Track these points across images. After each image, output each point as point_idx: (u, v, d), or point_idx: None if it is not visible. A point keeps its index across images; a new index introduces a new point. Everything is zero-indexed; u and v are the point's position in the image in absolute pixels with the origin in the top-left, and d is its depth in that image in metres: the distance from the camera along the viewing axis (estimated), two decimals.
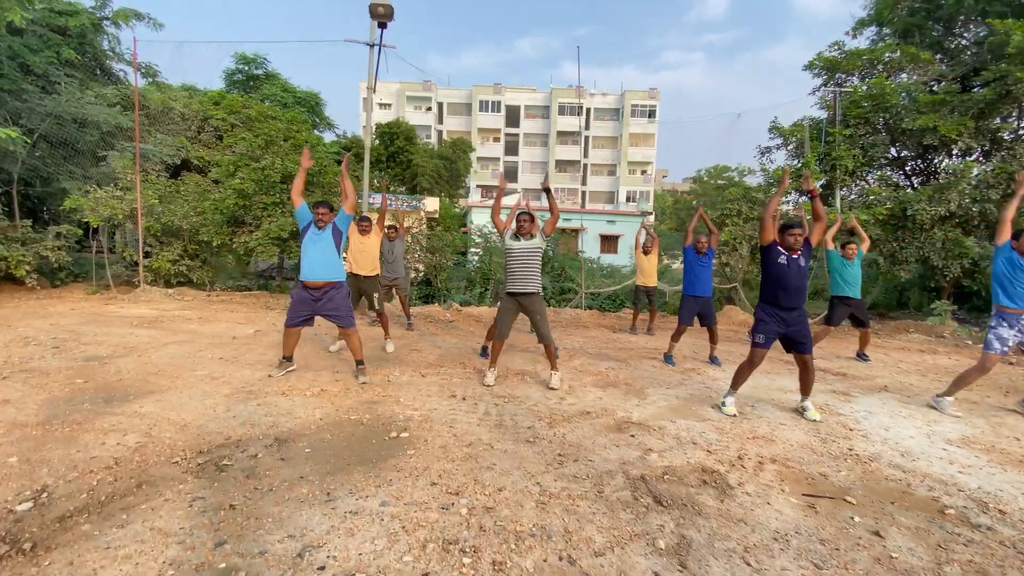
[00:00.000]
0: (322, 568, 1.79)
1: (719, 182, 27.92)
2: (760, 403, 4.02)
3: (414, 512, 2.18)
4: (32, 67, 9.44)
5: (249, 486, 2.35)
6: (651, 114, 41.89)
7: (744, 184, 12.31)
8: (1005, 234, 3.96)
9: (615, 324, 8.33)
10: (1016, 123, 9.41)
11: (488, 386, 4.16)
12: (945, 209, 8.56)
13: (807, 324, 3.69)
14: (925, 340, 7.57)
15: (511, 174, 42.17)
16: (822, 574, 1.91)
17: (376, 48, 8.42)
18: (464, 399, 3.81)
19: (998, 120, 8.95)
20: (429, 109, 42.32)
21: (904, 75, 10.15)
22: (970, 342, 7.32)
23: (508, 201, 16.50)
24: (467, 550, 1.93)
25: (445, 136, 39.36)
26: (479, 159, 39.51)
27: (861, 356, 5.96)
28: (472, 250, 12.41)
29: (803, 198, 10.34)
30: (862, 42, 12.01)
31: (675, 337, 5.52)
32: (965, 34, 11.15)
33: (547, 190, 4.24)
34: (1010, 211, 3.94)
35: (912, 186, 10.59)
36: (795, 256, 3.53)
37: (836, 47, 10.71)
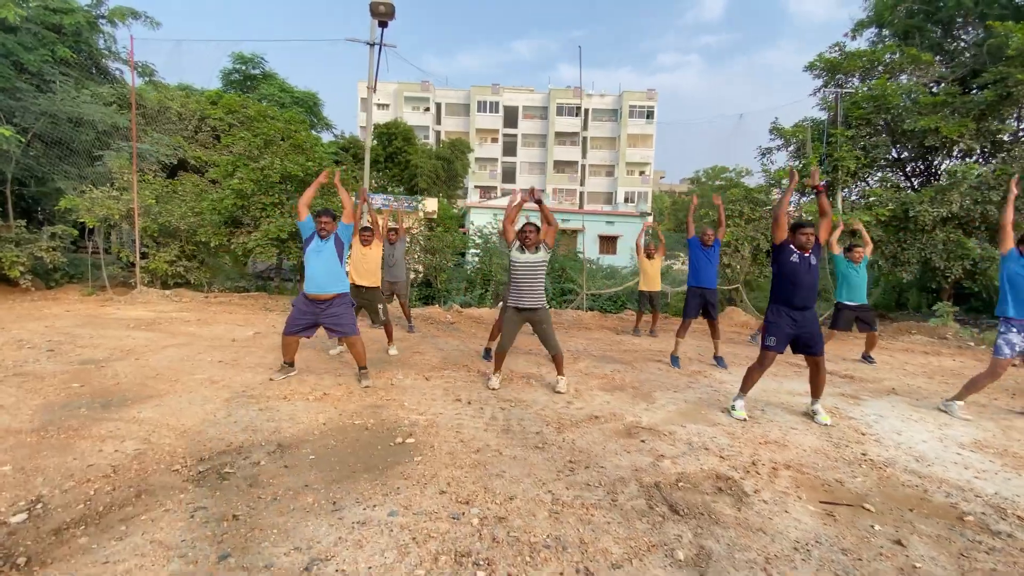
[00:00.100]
0: None
1: (718, 183, 27.96)
2: (769, 407, 3.97)
3: (424, 522, 2.11)
4: (26, 65, 9.31)
5: (252, 495, 2.28)
6: (649, 115, 41.90)
7: (744, 185, 12.29)
8: (1008, 242, 3.92)
9: (617, 326, 8.27)
10: (1016, 125, 9.44)
11: (493, 389, 4.10)
12: (947, 210, 8.57)
13: (818, 325, 3.65)
14: (928, 342, 7.55)
15: (509, 175, 42.14)
16: None
17: (377, 47, 8.35)
18: (469, 403, 3.74)
19: (998, 122, 8.97)
20: (427, 110, 42.23)
21: (904, 76, 10.17)
22: (972, 344, 7.31)
23: (503, 202, 16.42)
24: (481, 563, 1.86)
25: (443, 136, 39.25)
26: (477, 160, 39.42)
27: (867, 358, 5.94)
28: (472, 251, 12.34)
29: (805, 198, 10.34)
30: (862, 43, 12.08)
31: (680, 333, 5.47)
32: (964, 36, 11.20)
33: (539, 202, 4.15)
34: (1008, 216, 3.91)
35: (913, 187, 10.61)
36: (807, 255, 3.52)
37: (836, 48, 10.74)
